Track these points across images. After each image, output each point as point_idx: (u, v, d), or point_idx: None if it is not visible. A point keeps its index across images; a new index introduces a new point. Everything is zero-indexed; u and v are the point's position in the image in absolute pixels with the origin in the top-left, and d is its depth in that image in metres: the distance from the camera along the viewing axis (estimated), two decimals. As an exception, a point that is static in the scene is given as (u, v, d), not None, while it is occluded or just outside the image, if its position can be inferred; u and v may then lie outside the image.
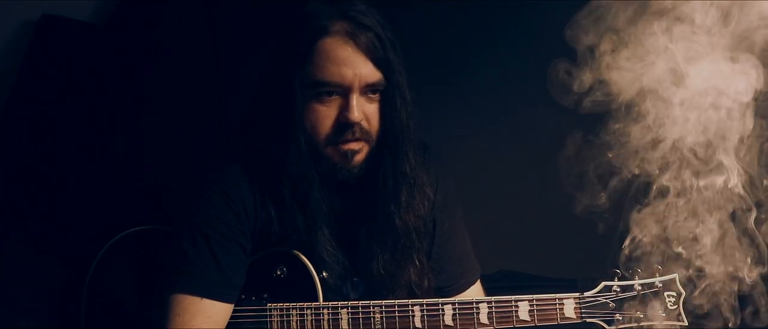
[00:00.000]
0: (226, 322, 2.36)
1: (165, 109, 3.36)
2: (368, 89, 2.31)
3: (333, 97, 2.30)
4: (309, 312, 2.37)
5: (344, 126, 2.31)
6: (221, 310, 2.34)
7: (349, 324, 2.36)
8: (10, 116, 3.30)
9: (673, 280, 2.30)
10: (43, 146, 3.27)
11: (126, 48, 3.35)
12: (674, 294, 2.30)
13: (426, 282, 2.51)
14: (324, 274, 2.43)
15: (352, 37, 2.26)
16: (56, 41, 3.33)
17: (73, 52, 3.34)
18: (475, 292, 2.64)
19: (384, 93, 2.34)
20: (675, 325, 2.29)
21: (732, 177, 2.18)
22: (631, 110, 2.27)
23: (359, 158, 2.36)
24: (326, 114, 2.31)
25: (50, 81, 3.31)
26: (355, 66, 2.27)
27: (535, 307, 2.35)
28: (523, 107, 3.56)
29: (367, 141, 2.36)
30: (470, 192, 2.84)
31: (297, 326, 2.37)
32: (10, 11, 3.37)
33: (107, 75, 3.33)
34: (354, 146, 2.34)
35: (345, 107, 2.29)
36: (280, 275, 2.40)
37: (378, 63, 2.29)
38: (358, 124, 2.31)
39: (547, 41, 3.34)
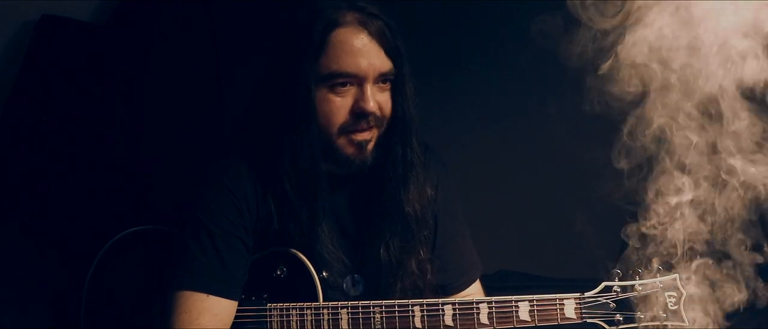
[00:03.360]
0: (232, 319, 2.36)
1: (165, 109, 3.36)
2: (380, 78, 2.33)
3: (347, 87, 2.32)
4: (309, 312, 2.37)
5: (359, 115, 2.33)
6: (227, 307, 2.35)
7: (349, 324, 2.36)
8: (10, 116, 3.30)
9: (673, 280, 2.30)
10: (43, 146, 3.27)
11: (126, 48, 3.34)
12: (675, 294, 2.30)
13: (428, 275, 2.52)
14: (324, 274, 2.43)
15: (365, 26, 2.29)
16: (56, 41, 3.33)
17: (73, 52, 3.34)
18: (475, 290, 2.63)
19: (394, 82, 2.36)
20: (676, 325, 2.29)
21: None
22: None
23: (371, 146, 2.38)
24: (341, 104, 2.32)
25: (50, 81, 3.30)
26: (370, 56, 2.29)
27: (535, 307, 2.35)
28: (524, 107, 3.57)
29: (378, 129, 2.38)
30: (470, 192, 2.84)
31: (297, 326, 2.37)
32: (10, 11, 3.37)
33: (107, 75, 3.32)
34: (367, 135, 2.36)
35: (360, 97, 2.32)
36: (280, 275, 2.40)
37: (389, 52, 2.32)
38: (373, 113, 2.32)
39: (548, 41, 3.36)
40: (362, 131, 2.35)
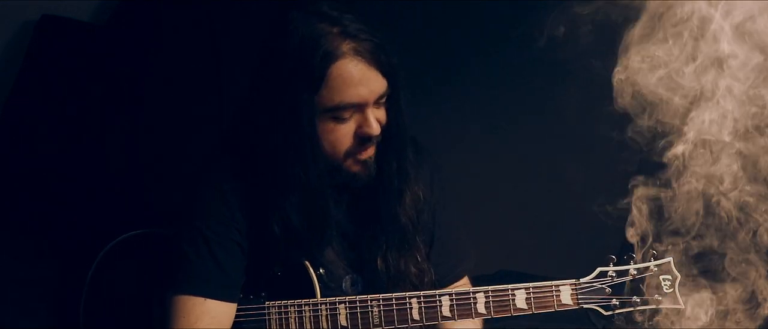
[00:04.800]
0: (231, 322, 2.36)
1: (165, 109, 3.37)
2: (379, 99, 2.32)
3: (349, 114, 2.31)
4: (307, 308, 2.36)
5: (363, 139, 2.32)
6: (225, 310, 2.34)
7: (347, 320, 2.35)
8: (10, 115, 3.31)
9: (668, 264, 2.29)
10: (43, 146, 3.28)
11: (126, 48, 3.36)
12: (669, 277, 2.29)
13: (426, 278, 2.51)
14: (321, 271, 2.42)
15: (360, 55, 2.26)
16: (56, 41, 3.35)
17: (73, 52, 3.36)
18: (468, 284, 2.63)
19: (389, 97, 2.35)
20: (671, 308, 2.28)
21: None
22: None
23: (372, 161, 2.38)
24: (345, 131, 2.31)
25: (50, 81, 3.32)
26: (369, 83, 2.27)
27: (531, 295, 2.34)
28: (524, 108, 3.57)
29: (377, 144, 2.38)
30: (470, 192, 2.84)
31: (295, 323, 2.36)
32: (10, 11, 3.39)
33: (107, 75, 3.34)
34: (371, 152, 2.36)
35: (363, 122, 2.30)
36: (278, 273, 2.39)
37: (384, 72, 2.30)
38: (377, 135, 2.32)
39: (549, 42, 3.37)
40: (367, 150, 2.35)
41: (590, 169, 2.99)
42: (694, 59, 2.19)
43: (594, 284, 2.32)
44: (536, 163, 3.59)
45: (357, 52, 2.25)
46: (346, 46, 2.25)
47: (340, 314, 2.35)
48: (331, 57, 2.24)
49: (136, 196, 3.31)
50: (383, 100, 2.34)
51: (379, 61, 2.27)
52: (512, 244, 3.55)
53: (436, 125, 3.09)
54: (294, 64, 2.27)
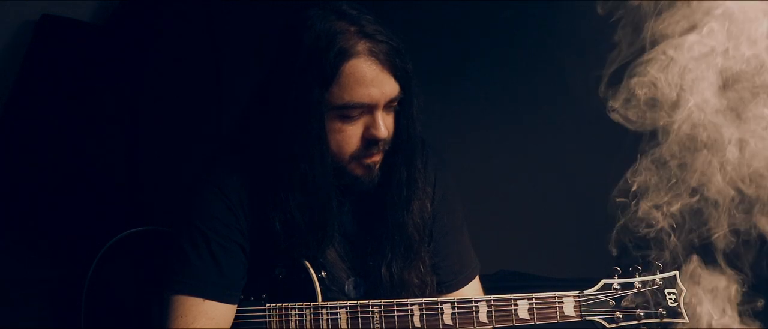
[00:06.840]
0: (230, 323, 2.36)
1: (164, 109, 3.36)
2: (389, 103, 2.32)
3: (358, 115, 2.30)
4: (308, 312, 2.36)
5: (370, 142, 2.32)
6: (224, 311, 2.34)
7: (348, 324, 2.36)
8: (10, 116, 3.30)
9: (673, 277, 2.29)
10: (43, 146, 3.27)
11: (126, 48, 3.35)
12: (675, 291, 2.29)
13: (428, 287, 2.52)
14: (322, 274, 2.42)
15: (375, 56, 2.25)
16: (56, 41, 3.33)
17: (73, 52, 3.34)
18: (474, 288, 2.63)
19: (401, 103, 2.35)
20: (676, 323, 2.28)
21: None
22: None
23: (378, 167, 2.37)
24: (352, 132, 2.31)
25: (50, 81, 3.31)
26: (382, 85, 2.26)
27: (534, 306, 2.34)
28: (525, 107, 3.57)
29: (384, 151, 2.37)
30: (471, 192, 2.84)
31: (296, 326, 2.36)
32: (10, 11, 3.37)
33: (107, 75, 3.33)
34: (376, 158, 2.36)
35: (371, 124, 2.30)
36: (279, 275, 2.40)
37: (398, 76, 2.29)
38: (384, 139, 2.32)
39: (549, 41, 3.37)
40: (372, 155, 2.34)
41: (591, 168, 2.98)
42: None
43: (598, 296, 2.32)
44: (537, 162, 3.59)
45: (372, 53, 2.25)
46: (361, 45, 2.25)
47: (340, 318, 2.36)
48: (345, 55, 2.24)
49: (136, 196, 3.31)
50: (394, 104, 2.33)
51: (393, 64, 2.27)
52: (512, 244, 3.55)
53: (436, 124, 3.08)
54: (308, 60, 2.26)
